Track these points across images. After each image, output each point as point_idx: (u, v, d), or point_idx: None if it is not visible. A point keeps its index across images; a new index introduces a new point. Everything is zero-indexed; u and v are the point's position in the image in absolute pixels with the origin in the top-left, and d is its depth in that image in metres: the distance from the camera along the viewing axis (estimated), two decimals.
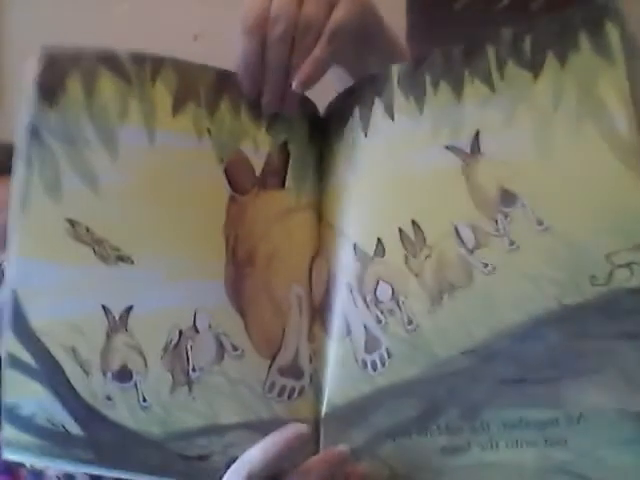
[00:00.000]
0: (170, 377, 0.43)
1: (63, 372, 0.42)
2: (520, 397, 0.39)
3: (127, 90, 0.45)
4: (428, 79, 0.45)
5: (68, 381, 0.42)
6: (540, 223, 0.41)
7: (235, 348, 0.44)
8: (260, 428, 0.42)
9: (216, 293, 0.44)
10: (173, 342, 0.43)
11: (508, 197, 0.42)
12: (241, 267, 0.45)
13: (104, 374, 0.42)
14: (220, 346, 0.43)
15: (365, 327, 0.43)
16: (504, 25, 0.42)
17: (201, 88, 0.46)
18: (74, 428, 0.41)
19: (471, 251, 0.42)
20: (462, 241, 0.42)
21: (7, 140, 0.47)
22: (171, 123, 0.45)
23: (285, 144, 0.47)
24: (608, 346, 0.38)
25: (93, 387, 0.42)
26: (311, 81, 0.46)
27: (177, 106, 0.45)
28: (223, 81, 0.47)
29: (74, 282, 0.43)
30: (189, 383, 0.43)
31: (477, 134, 0.43)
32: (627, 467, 0.37)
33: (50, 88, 0.44)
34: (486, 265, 0.41)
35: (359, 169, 0.46)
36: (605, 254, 0.39)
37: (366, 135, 0.46)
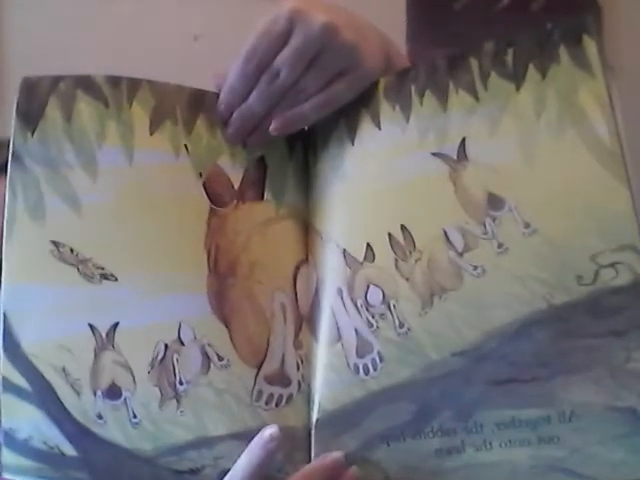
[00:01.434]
0: (158, 392, 0.43)
1: (55, 393, 0.42)
2: (512, 397, 0.40)
3: (105, 112, 0.46)
4: (413, 89, 0.46)
5: (60, 402, 0.42)
6: (527, 226, 0.42)
7: (220, 358, 0.43)
8: (249, 438, 0.41)
9: (199, 305, 0.44)
10: (159, 356, 0.43)
11: (495, 201, 0.43)
12: (223, 278, 0.45)
13: (94, 393, 0.42)
14: (206, 357, 0.43)
15: (356, 331, 0.43)
16: (504, 25, 0.44)
17: (177, 107, 0.47)
18: (68, 449, 0.42)
19: (460, 254, 0.43)
20: (451, 244, 0.43)
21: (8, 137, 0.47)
22: (149, 141, 0.46)
23: (262, 158, 0.48)
24: (596, 344, 0.40)
25: (84, 406, 0.42)
26: (289, 131, 0.47)
27: (154, 125, 0.46)
28: (198, 101, 0.47)
29: (61, 303, 0.43)
30: (177, 396, 0.43)
31: (463, 141, 0.44)
32: (618, 462, 0.38)
33: (30, 116, 0.45)
34: (475, 267, 0.42)
35: (347, 176, 0.47)
36: (590, 255, 0.40)
37: (353, 143, 0.47)
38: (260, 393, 0.43)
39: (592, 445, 0.39)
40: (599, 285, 0.40)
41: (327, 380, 0.43)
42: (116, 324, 0.43)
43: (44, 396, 0.42)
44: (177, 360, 0.43)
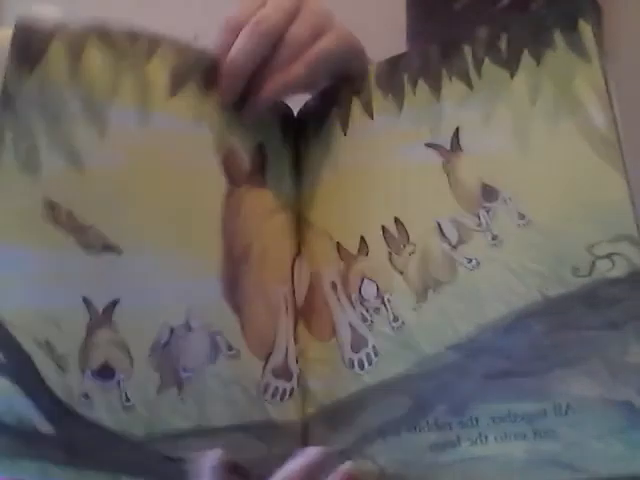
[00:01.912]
0: (158, 377, 0.40)
1: (34, 368, 0.37)
2: (507, 390, 0.40)
3: (119, 64, 0.41)
4: (406, 78, 0.45)
5: (40, 377, 0.37)
6: (522, 217, 0.41)
7: (230, 348, 0.42)
8: (253, 431, 0.41)
9: (211, 289, 0.42)
10: (163, 340, 0.40)
11: (489, 192, 0.42)
12: (237, 263, 0.43)
13: (82, 371, 0.38)
14: (214, 345, 0.41)
15: (351, 326, 0.43)
16: None
17: (198, 73, 0.44)
18: (45, 427, 0.37)
19: (454, 247, 0.42)
20: (445, 237, 0.42)
21: None
22: (167, 105, 0.43)
23: (261, 146, 0.47)
24: (592, 336, 0.39)
25: (69, 384, 0.38)
26: (280, 92, 0.45)
27: (175, 86, 0.43)
28: (215, 73, 0.44)
29: (51, 270, 0.38)
30: (179, 384, 0.40)
31: (457, 131, 0.43)
32: (615, 456, 0.38)
33: (29, 51, 0.39)
34: (470, 260, 0.42)
35: (339, 168, 0.46)
36: (586, 246, 0.39)
37: (345, 134, 0.46)
38: (267, 386, 0.43)
39: (588, 439, 0.38)
40: (595, 276, 0.39)
41: (322, 375, 0.43)
42: (116, 301, 0.39)
43: (20, 369, 0.37)
44: (183, 346, 0.41)
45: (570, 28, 0.42)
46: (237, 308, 0.43)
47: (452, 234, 0.42)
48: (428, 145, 0.44)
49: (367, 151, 0.45)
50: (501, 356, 0.40)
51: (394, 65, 0.46)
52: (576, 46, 0.41)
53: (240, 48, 0.44)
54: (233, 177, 0.44)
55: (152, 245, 0.41)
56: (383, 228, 0.43)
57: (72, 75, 0.40)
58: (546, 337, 0.39)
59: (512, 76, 0.43)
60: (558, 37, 0.42)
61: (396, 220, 0.43)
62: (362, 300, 0.43)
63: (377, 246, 0.43)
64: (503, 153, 0.42)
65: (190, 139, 0.43)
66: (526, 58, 0.42)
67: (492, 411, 0.40)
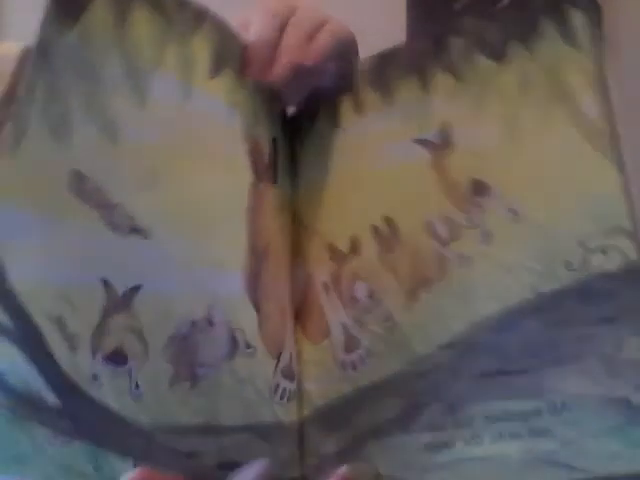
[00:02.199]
0: (172, 369, 0.37)
1: (45, 342, 0.34)
2: (502, 389, 0.39)
3: (166, 32, 0.38)
4: (395, 73, 0.44)
5: (48, 351, 0.34)
6: (513, 212, 0.40)
7: (248, 346, 0.40)
8: (261, 432, 0.40)
9: (235, 284, 0.40)
10: (182, 332, 0.38)
11: (480, 187, 0.41)
12: (259, 260, 0.42)
13: (93, 353, 0.35)
14: (233, 342, 0.40)
15: (343, 327, 0.43)
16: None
17: (235, 58, 0.43)
18: (51, 398, 0.34)
19: (445, 244, 0.41)
20: (436, 234, 0.42)
21: None
22: (208, 85, 0.40)
23: (275, 140, 0.46)
24: (586, 332, 0.38)
25: (78, 363, 0.35)
26: (293, 68, 0.43)
27: (215, 67, 0.41)
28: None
29: (71, 245, 0.35)
30: (193, 378, 0.38)
31: (446, 126, 0.42)
32: (612, 454, 0.37)
33: (71, 2, 0.36)
34: (461, 257, 0.41)
35: (330, 167, 0.46)
36: (578, 239, 0.39)
37: (337, 133, 0.46)
38: (277, 386, 0.42)
39: (585, 437, 0.37)
40: (589, 270, 0.38)
41: (316, 376, 0.43)
42: (138, 286, 0.37)
43: (29, 340, 0.34)
44: (202, 340, 0.39)
45: (561, 16, 0.41)
46: (257, 305, 0.41)
47: (443, 231, 0.41)
48: (417, 141, 0.43)
49: (358, 150, 0.45)
50: (495, 354, 0.39)
51: (383, 60, 0.45)
52: (566, 35, 0.41)
53: (257, 32, 0.43)
54: (257, 170, 0.43)
55: (181, 233, 0.38)
56: (374, 227, 0.43)
57: (116, 35, 0.37)
58: (540, 334, 0.39)
59: (501, 67, 0.42)
60: (548, 26, 0.41)
61: (387, 219, 0.43)
62: (354, 300, 0.43)
63: (368, 245, 0.43)
64: (493, 147, 0.41)
65: (224, 125, 0.41)
66: (515, 48, 0.42)
67: (486, 410, 0.39)
